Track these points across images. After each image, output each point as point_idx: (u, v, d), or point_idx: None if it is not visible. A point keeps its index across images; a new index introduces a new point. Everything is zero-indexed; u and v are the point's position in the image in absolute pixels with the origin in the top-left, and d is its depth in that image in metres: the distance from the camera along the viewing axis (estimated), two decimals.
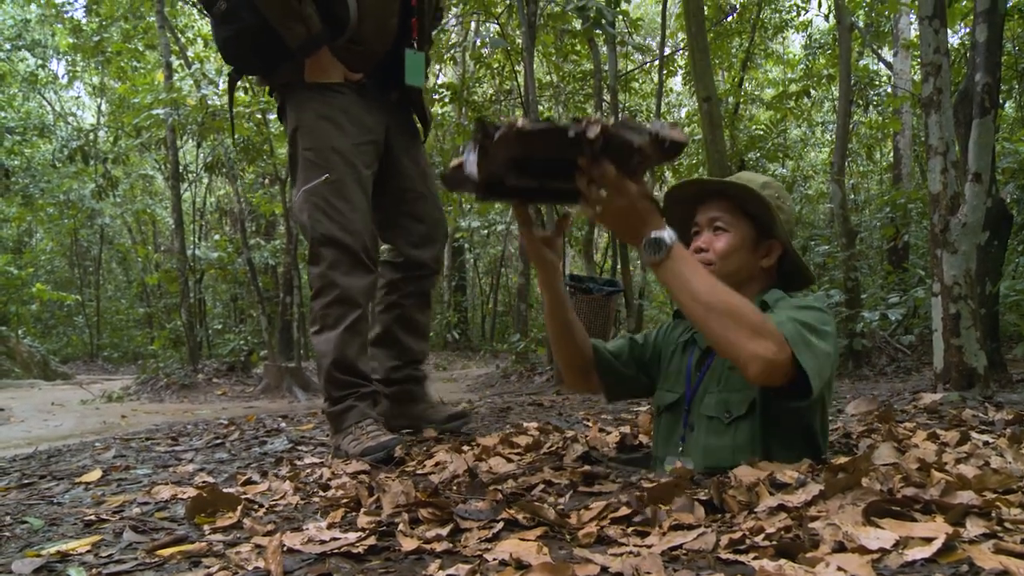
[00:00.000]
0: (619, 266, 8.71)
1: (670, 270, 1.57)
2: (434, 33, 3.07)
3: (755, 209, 1.85)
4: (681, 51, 11.72)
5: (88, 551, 1.48)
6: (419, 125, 2.92)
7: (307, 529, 1.50)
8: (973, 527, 1.21)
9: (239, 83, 3.00)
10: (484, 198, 1.77)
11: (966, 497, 1.31)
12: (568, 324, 1.98)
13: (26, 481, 2.34)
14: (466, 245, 18.20)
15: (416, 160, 2.83)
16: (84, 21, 12.51)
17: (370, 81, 2.65)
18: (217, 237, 14.32)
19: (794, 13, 13.22)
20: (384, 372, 2.88)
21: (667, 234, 1.58)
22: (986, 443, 2.04)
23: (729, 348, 1.54)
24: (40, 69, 17.11)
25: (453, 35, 11.07)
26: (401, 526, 1.47)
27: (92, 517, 1.77)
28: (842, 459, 1.66)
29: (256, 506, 1.81)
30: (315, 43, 2.50)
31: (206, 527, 1.62)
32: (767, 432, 1.78)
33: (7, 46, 16.50)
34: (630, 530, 1.39)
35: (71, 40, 13.24)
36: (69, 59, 15.94)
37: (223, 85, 8.16)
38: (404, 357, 2.88)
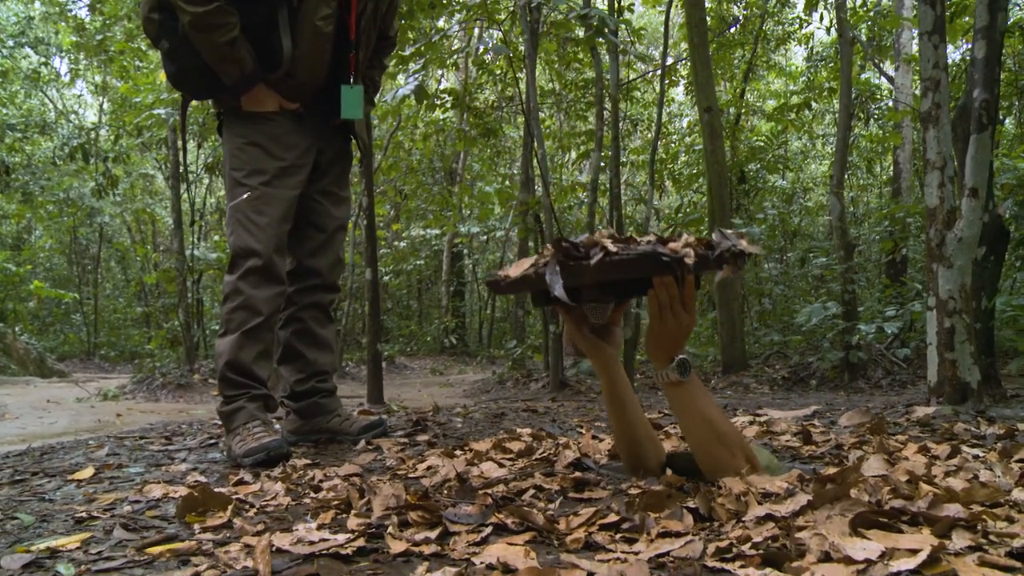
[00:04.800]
0: None
1: (692, 390, 1.70)
2: (386, 59, 3.22)
3: None
4: (683, 61, 11.73)
5: (78, 548, 1.49)
6: (357, 151, 3.07)
7: (296, 530, 1.50)
8: (959, 540, 1.21)
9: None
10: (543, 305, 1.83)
11: (953, 510, 1.32)
12: (626, 414, 1.90)
13: (18, 477, 2.34)
14: (465, 251, 18.20)
15: (338, 183, 2.98)
16: (87, 19, 12.50)
17: (309, 109, 2.80)
18: (216, 238, 14.33)
19: (796, 26, 13.26)
20: (289, 387, 2.98)
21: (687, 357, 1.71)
22: (976, 457, 2.04)
23: (723, 465, 1.66)
24: (43, 67, 17.09)
25: (456, 41, 11.10)
26: (390, 528, 1.47)
27: (83, 514, 1.77)
28: (831, 470, 1.66)
29: (247, 506, 1.82)
30: (248, 82, 2.65)
31: (196, 526, 1.63)
32: None
33: (10, 43, 16.49)
34: (618, 536, 1.39)
35: (74, 38, 13.27)
36: (72, 57, 15.95)
37: None
38: (308, 370, 2.97)
